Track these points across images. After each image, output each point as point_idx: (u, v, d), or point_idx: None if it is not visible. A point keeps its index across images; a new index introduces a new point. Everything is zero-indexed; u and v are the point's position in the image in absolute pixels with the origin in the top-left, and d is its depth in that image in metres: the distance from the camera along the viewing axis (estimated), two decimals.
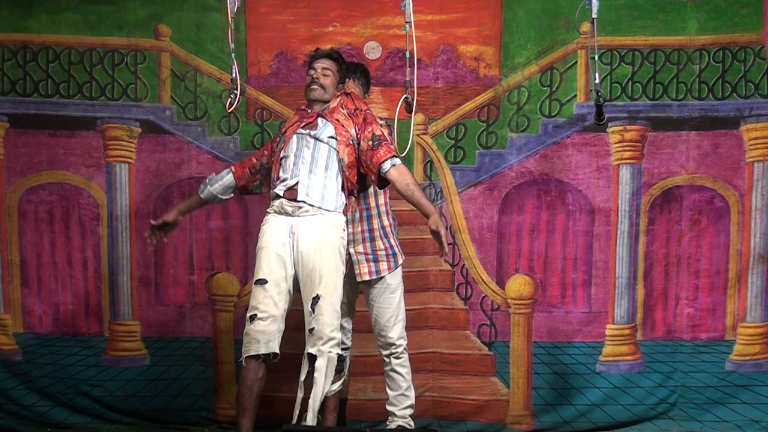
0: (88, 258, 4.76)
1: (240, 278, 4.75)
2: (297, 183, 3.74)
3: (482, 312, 4.73)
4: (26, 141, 4.71)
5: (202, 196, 4.07)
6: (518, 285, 4.72)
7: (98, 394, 4.71)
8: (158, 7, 4.68)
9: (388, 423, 4.17)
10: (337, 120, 3.82)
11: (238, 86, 3.70)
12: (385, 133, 3.98)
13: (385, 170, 3.75)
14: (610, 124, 4.62)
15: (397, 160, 3.76)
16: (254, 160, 4.03)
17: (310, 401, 3.65)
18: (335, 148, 3.79)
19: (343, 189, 3.81)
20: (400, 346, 4.10)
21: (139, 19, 4.68)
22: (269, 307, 3.68)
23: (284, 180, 3.78)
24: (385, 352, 4.13)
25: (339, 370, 3.70)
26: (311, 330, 3.67)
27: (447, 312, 4.74)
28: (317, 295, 3.66)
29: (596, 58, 3.84)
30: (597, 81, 3.72)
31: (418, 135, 4.69)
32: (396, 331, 4.09)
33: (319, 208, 3.73)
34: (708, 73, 4.63)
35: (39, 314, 4.77)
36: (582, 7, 3.79)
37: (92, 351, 4.76)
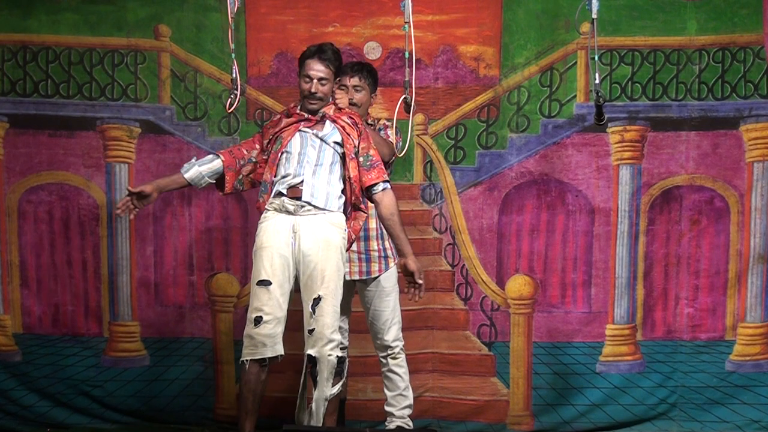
0: (88, 258, 4.76)
1: (240, 279, 4.75)
2: (302, 182, 3.71)
3: (482, 312, 4.73)
4: (26, 141, 4.71)
5: (186, 175, 3.79)
6: (518, 285, 4.72)
7: (98, 395, 4.71)
8: (158, 7, 4.68)
9: (386, 423, 4.17)
10: (343, 128, 3.78)
11: (238, 86, 3.69)
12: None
13: (375, 192, 3.74)
14: (610, 125, 4.62)
15: (388, 185, 3.75)
16: (244, 152, 3.87)
17: (313, 405, 3.64)
18: (340, 156, 3.76)
19: (346, 201, 3.77)
20: (396, 347, 4.10)
21: (139, 20, 4.67)
22: (274, 309, 3.64)
23: (286, 176, 3.73)
24: (382, 354, 4.13)
25: (339, 372, 3.69)
26: (311, 331, 3.65)
27: (447, 312, 4.74)
28: (318, 296, 3.64)
29: (596, 58, 3.84)
30: (597, 81, 3.72)
31: (418, 135, 4.69)
32: (392, 334, 4.09)
33: (323, 208, 3.72)
34: (708, 74, 4.64)
35: (38, 315, 4.76)
36: (582, 7, 3.79)
37: (92, 352, 4.76)
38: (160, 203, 4.73)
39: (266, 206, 3.77)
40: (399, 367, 4.11)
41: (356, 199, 3.77)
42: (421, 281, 3.73)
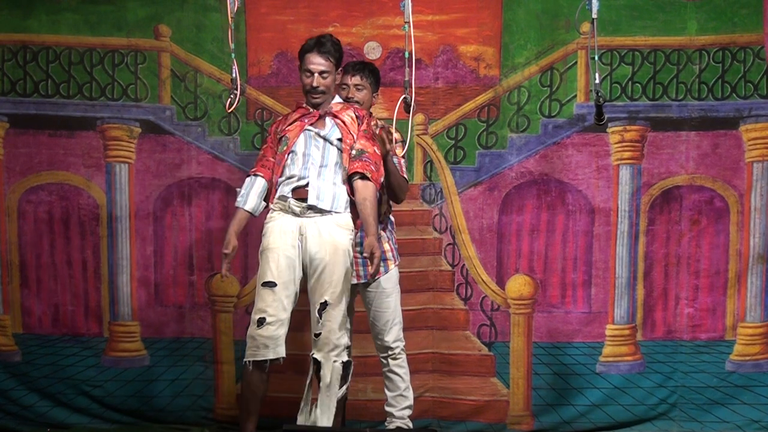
0: (88, 258, 4.76)
1: (240, 279, 4.75)
2: (307, 184, 3.70)
3: (482, 312, 4.73)
4: (26, 141, 4.71)
5: (247, 208, 3.78)
6: (518, 285, 4.72)
7: (98, 395, 4.71)
8: (158, 7, 4.67)
9: (386, 424, 4.17)
10: (344, 123, 3.78)
11: (238, 86, 3.68)
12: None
13: (353, 180, 3.72)
14: (610, 125, 4.62)
15: (369, 182, 3.71)
16: (271, 159, 3.84)
17: (318, 410, 3.62)
18: (341, 151, 3.76)
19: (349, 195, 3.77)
20: (396, 348, 4.10)
21: (139, 20, 4.67)
22: (278, 311, 3.63)
23: (291, 178, 3.72)
24: (382, 354, 4.13)
25: (344, 377, 3.68)
26: (317, 335, 3.64)
27: (447, 312, 4.74)
28: (325, 301, 3.63)
29: (596, 58, 3.84)
30: (597, 81, 3.71)
31: (418, 135, 4.69)
32: (392, 335, 4.09)
33: (329, 210, 3.70)
34: (708, 74, 4.64)
35: (38, 315, 4.76)
36: (582, 7, 3.78)
37: (92, 351, 4.76)
38: (160, 203, 4.74)
39: (272, 206, 3.76)
40: (400, 367, 4.11)
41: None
42: (370, 259, 3.65)
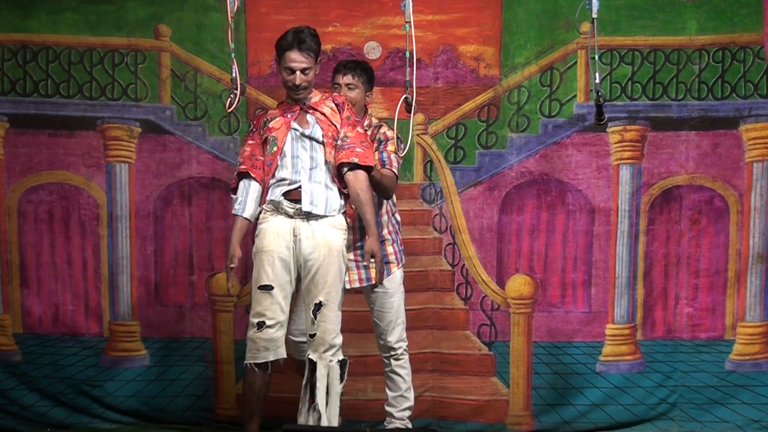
0: (88, 258, 4.76)
1: (240, 278, 4.74)
2: (299, 187, 3.69)
3: (482, 312, 4.73)
4: (26, 141, 4.71)
5: (246, 215, 3.75)
6: (518, 285, 4.72)
7: (98, 394, 4.71)
8: (158, 7, 4.67)
9: (386, 424, 4.17)
10: (323, 114, 3.73)
11: (238, 86, 3.67)
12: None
13: (343, 172, 3.70)
14: (610, 124, 4.62)
15: (357, 168, 3.68)
16: (260, 158, 3.77)
17: (327, 412, 3.63)
18: (324, 147, 3.72)
19: (339, 190, 3.74)
20: (399, 348, 4.10)
21: (139, 19, 4.67)
22: (276, 313, 3.64)
23: (282, 181, 3.71)
24: (385, 354, 4.13)
25: (341, 375, 3.69)
26: (312, 336, 3.65)
27: (447, 312, 4.74)
28: (320, 301, 3.64)
29: (596, 58, 3.83)
30: (597, 81, 3.71)
31: (418, 135, 4.69)
32: (395, 335, 4.08)
33: (323, 215, 3.68)
34: (708, 74, 4.64)
35: (38, 314, 4.76)
36: (582, 7, 3.78)
37: (92, 351, 4.76)
38: (160, 203, 4.74)
39: (264, 207, 3.75)
40: (402, 368, 4.11)
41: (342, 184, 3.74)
42: (373, 263, 3.69)
